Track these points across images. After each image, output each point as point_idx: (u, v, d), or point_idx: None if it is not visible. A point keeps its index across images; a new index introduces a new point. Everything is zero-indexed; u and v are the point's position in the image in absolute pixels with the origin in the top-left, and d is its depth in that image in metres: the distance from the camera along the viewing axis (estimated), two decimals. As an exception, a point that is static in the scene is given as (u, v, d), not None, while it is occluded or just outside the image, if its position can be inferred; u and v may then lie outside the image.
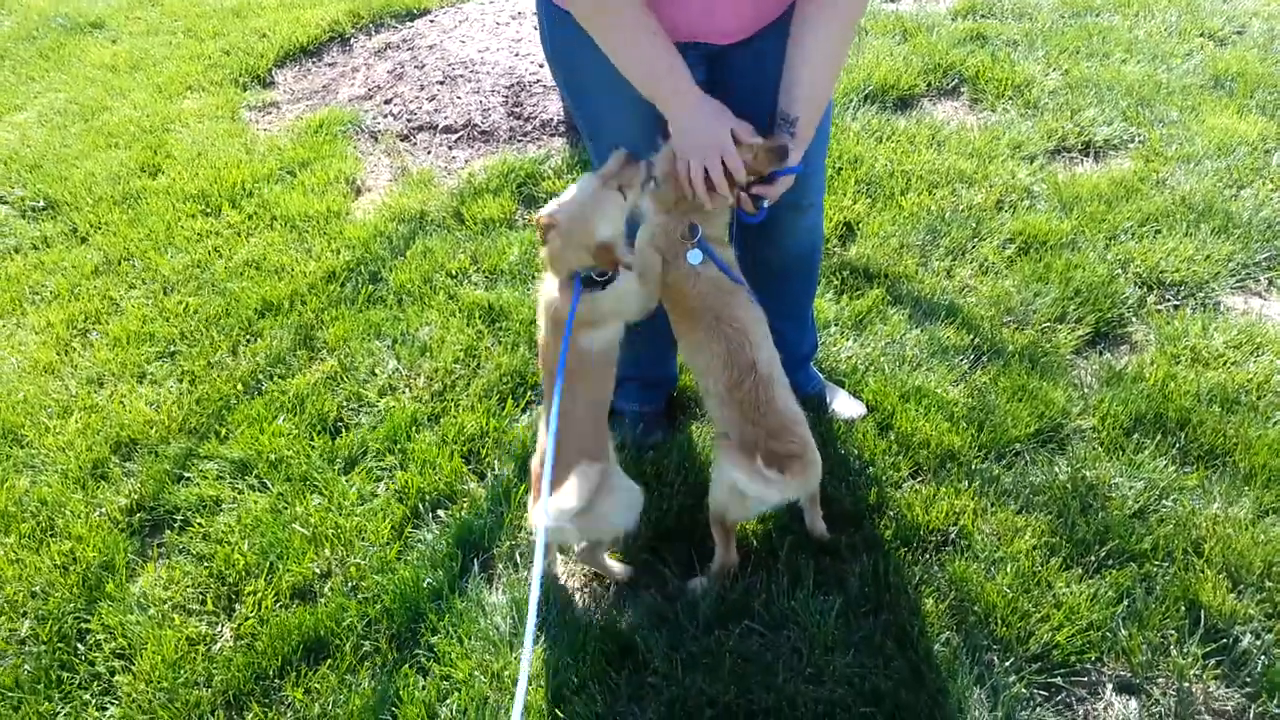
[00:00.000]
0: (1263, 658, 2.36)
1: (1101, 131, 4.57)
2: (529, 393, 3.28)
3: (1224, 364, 3.24)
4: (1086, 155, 4.50)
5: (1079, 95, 4.87)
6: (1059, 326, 3.43)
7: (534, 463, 2.45)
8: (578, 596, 2.65)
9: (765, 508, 2.54)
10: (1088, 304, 3.49)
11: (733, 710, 2.29)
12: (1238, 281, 3.64)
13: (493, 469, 3.01)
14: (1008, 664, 2.37)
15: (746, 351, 2.37)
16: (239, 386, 3.44)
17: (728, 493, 2.40)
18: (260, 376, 3.49)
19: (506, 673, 2.41)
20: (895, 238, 3.90)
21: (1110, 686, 2.34)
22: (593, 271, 2.25)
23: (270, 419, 3.25)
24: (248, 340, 3.69)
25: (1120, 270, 3.69)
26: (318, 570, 2.73)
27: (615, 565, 2.65)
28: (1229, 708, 2.29)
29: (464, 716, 2.31)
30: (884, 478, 2.86)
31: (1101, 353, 3.36)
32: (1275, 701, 2.27)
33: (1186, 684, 2.32)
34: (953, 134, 4.62)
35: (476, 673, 2.41)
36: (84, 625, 2.66)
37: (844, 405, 3.12)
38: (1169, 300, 3.56)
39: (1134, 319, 3.49)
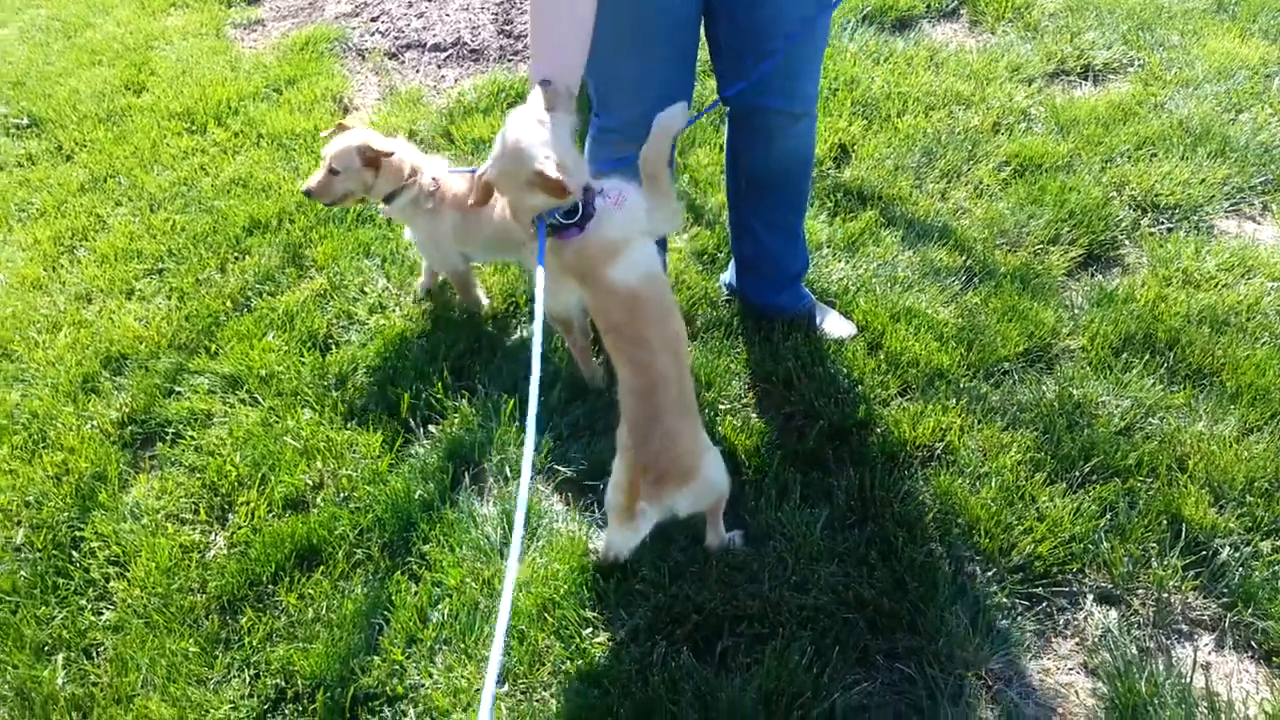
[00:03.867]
0: (1240, 569, 2.40)
1: (1101, 55, 4.51)
2: (518, 310, 3.27)
3: (1215, 286, 3.24)
4: (1085, 78, 4.44)
5: (1079, 18, 4.79)
6: (1052, 248, 3.42)
7: (623, 440, 2.19)
8: (567, 506, 2.68)
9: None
10: (1081, 226, 3.47)
11: (719, 615, 2.33)
12: (1232, 205, 3.62)
13: (483, 385, 3.02)
14: (990, 574, 2.41)
15: None
16: (228, 303, 3.43)
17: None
18: (249, 293, 3.47)
19: (497, 580, 2.44)
20: (890, 160, 3.86)
21: (1091, 597, 2.39)
22: (556, 213, 2.02)
23: (260, 335, 3.24)
24: (236, 258, 3.67)
25: (1115, 193, 3.67)
26: (309, 481, 2.75)
27: None
28: (1206, 617, 2.34)
29: (455, 620, 2.35)
30: (872, 395, 2.88)
31: (1093, 274, 3.35)
32: (1250, 611, 2.32)
33: (1165, 594, 2.37)
34: (951, 56, 4.55)
35: (468, 580, 2.45)
36: (78, 534, 2.68)
37: (834, 325, 3.12)
38: (1163, 223, 3.55)
39: (1127, 241, 3.48)
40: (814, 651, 2.22)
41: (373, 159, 2.93)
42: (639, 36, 2.52)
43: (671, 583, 2.39)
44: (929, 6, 4.94)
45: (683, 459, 2.13)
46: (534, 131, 1.99)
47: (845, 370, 2.96)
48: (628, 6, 2.40)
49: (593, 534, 2.56)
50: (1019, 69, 4.43)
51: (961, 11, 4.96)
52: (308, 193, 3.01)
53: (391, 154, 2.94)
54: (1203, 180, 3.68)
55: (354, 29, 5.25)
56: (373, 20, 5.29)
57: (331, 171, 2.95)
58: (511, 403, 2.90)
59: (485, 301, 3.29)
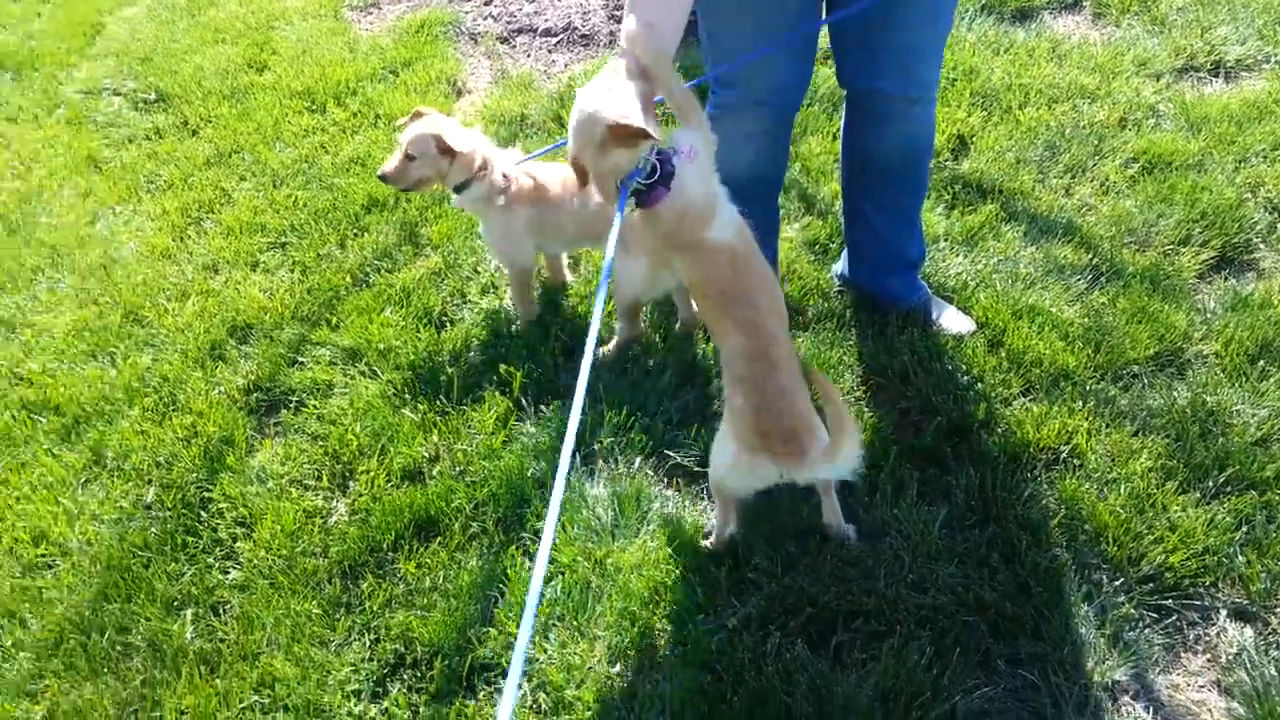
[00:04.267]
0: (1388, 592, 2.28)
1: (1234, 50, 4.32)
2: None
3: (1361, 295, 3.08)
4: (1216, 75, 4.26)
5: (1210, 12, 4.59)
6: (1182, 249, 3.29)
7: (736, 401, 2.15)
8: (678, 492, 2.67)
9: None
10: (1214, 227, 3.33)
11: (833, 609, 2.30)
12: (1380, 211, 3.44)
13: (592, 368, 3.02)
14: (1117, 583, 2.33)
15: None
16: (348, 278, 3.51)
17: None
18: (368, 269, 3.55)
19: (609, 560, 2.45)
20: (1011, 153, 3.76)
21: (1225, 612, 2.29)
22: (637, 176, 2.04)
23: (378, 310, 3.31)
24: (355, 234, 3.75)
25: (1249, 194, 3.51)
26: (426, 454, 2.80)
27: None
28: (1350, 640, 2.23)
29: (568, 598, 2.37)
30: (993, 394, 2.81)
31: (1226, 278, 3.22)
32: (1399, 636, 2.20)
33: (1306, 614, 2.26)
34: (1074, 48, 4.41)
35: (580, 559, 2.46)
36: (206, 494, 2.78)
37: (952, 320, 3.05)
38: (1303, 227, 3.39)
39: (1262, 245, 3.33)
40: (933, 652, 2.18)
41: (447, 147, 2.92)
42: (764, 15, 2.52)
43: (784, 573, 2.37)
44: (1052, -3, 4.79)
45: (804, 417, 2.11)
46: (599, 96, 2.03)
47: (964, 367, 2.90)
48: None
49: (705, 520, 2.55)
50: (1146, 63, 4.27)
51: (1084, 3, 4.80)
52: (383, 177, 3.02)
53: (462, 150, 2.93)
54: (1348, 184, 3.50)
55: (467, 13, 5.32)
56: (485, 4, 5.35)
57: (408, 157, 2.96)
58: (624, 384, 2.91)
59: (537, 310, 3.25)
